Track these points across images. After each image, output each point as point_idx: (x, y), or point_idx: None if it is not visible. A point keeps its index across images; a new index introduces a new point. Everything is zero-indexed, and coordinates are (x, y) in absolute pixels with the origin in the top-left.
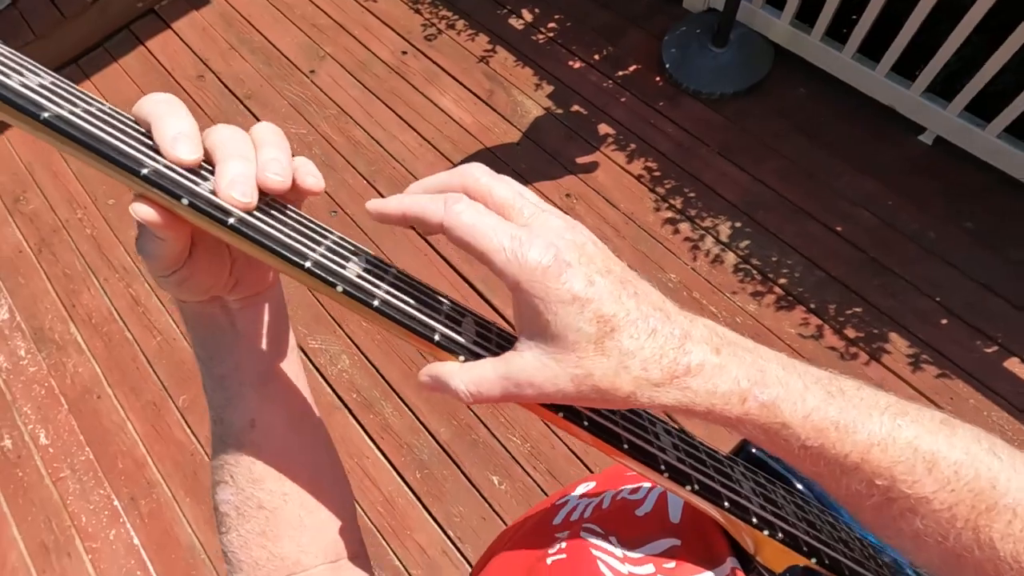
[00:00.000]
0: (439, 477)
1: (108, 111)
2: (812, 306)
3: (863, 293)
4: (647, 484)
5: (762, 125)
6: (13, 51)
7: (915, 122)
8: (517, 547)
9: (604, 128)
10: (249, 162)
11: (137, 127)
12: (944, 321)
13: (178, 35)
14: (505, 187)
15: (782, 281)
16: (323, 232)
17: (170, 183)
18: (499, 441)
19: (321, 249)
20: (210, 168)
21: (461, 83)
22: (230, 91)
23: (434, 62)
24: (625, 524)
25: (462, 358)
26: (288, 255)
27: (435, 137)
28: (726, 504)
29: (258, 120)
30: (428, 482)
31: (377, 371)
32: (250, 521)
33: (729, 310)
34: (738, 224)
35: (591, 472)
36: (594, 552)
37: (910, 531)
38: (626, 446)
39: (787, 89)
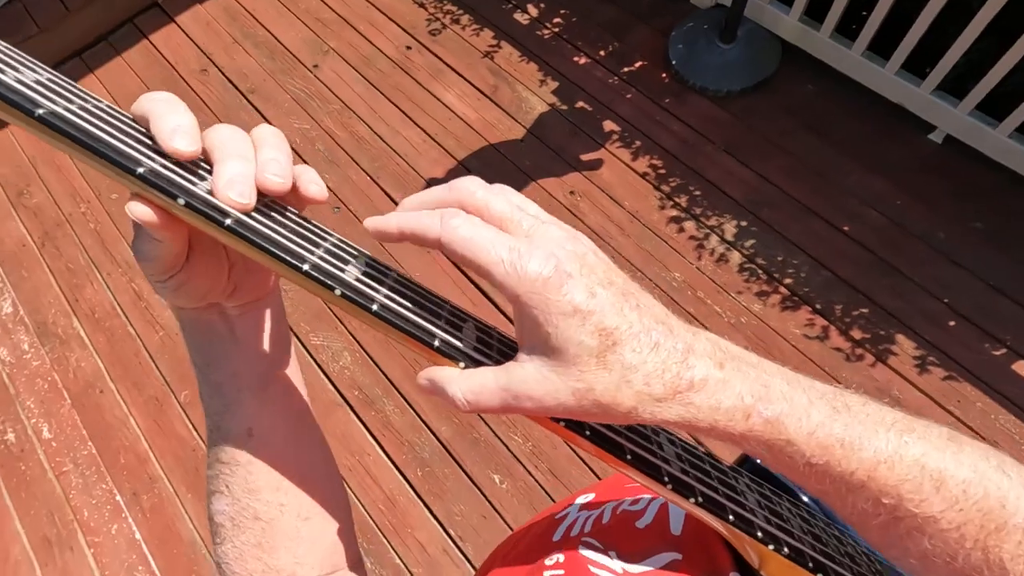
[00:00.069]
0: (440, 475)
1: (105, 109)
2: (818, 306)
3: (870, 294)
4: (648, 495)
5: (769, 123)
6: (10, 47)
7: (925, 121)
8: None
9: (609, 125)
10: (248, 162)
11: (135, 125)
12: (952, 323)
13: (182, 28)
14: (502, 200)
15: (788, 281)
16: (323, 234)
17: (166, 183)
18: (500, 440)
19: (320, 251)
20: (208, 168)
21: (465, 78)
22: (233, 85)
23: (438, 57)
24: (625, 537)
25: (462, 364)
26: (286, 257)
27: (439, 133)
28: (730, 517)
29: (261, 115)
30: (429, 480)
31: (379, 368)
32: (246, 532)
33: (734, 310)
34: (744, 223)
35: (592, 472)
36: (592, 569)
37: (918, 551)
38: (629, 457)
39: (795, 86)
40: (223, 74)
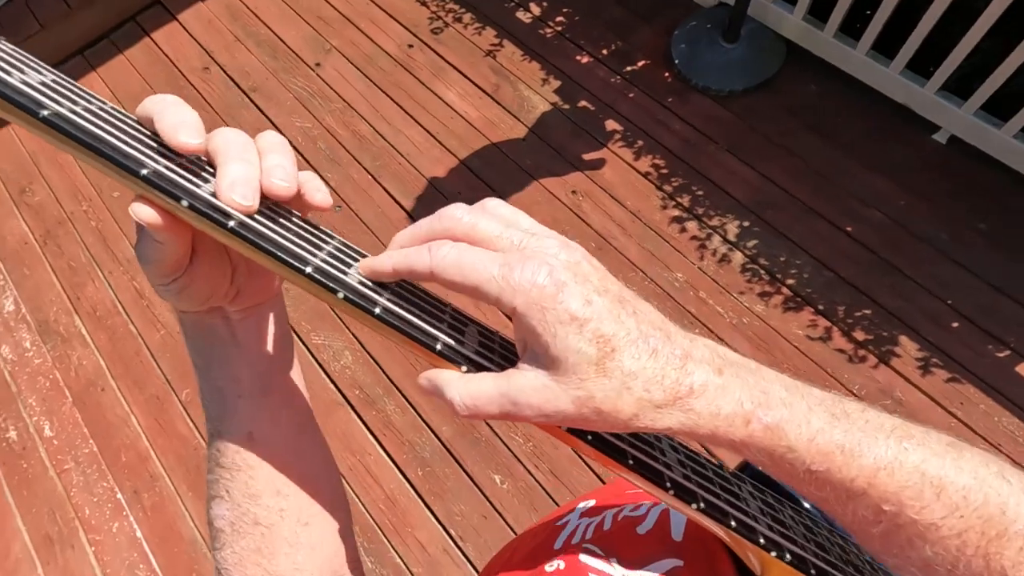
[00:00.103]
0: (441, 475)
1: (110, 110)
2: (821, 307)
3: (873, 295)
4: (649, 500)
5: (772, 122)
6: (16, 48)
7: (929, 121)
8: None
9: (611, 124)
10: (251, 166)
11: (139, 127)
12: (955, 324)
13: (184, 27)
14: (488, 220)
15: (790, 281)
16: (326, 238)
17: (170, 184)
18: (501, 440)
19: (323, 254)
20: (212, 171)
21: (467, 77)
22: (235, 84)
23: (440, 56)
24: (626, 544)
25: (464, 368)
26: (289, 260)
27: (440, 132)
28: (733, 523)
29: (263, 113)
30: (430, 480)
31: (380, 368)
32: (245, 538)
33: (736, 310)
34: (746, 223)
35: (593, 472)
36: None
37: (919, 559)
38: (631, 462)
39: (798, 86)
40: (225, 72)
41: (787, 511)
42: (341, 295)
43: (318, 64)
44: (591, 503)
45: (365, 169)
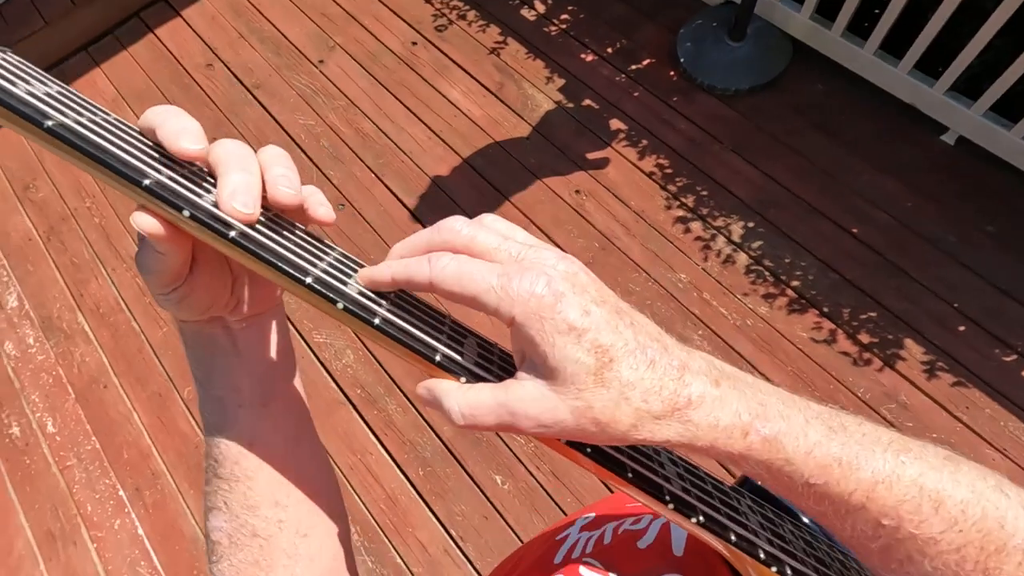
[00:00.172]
0: (442, 475)
1: (113, 121)
2: (825, 309)
3: (878, 297)
4: (649, 514)
5: (778, 122)
6: (22, 60)
7: (937, 121)
8: None
9: (616, 123)
10: (252, 175)
11: (142, 138)
12: (962, 328)
13: (187, 23)
14: (486, 233)
15: (795, 283)
16: (326, 248)
17: (172, 195)
18: (502, 440)
19: (323, 265)
20: (213, 182)
21: (471, 75)
22: (239, 80)
23: (444, 53)
24: (627, 558)
25: (463, 379)
26: (289, 270)
27: (444, 130)
28: (732, 538)
29: (266, 110)
30: (431, 480)
31: (381, 367)
32: (243, 550)
33: (740, 312)
34: (751, 224)
35: (594, 475)
36: None
37: (918, 575)
38: (630, 475)
39: (804, 85)
40: (228, 69)
41: (787, 526)
42: (341, 305)
43: (322, 61)
44: (591, 516)
45: (368, 167)
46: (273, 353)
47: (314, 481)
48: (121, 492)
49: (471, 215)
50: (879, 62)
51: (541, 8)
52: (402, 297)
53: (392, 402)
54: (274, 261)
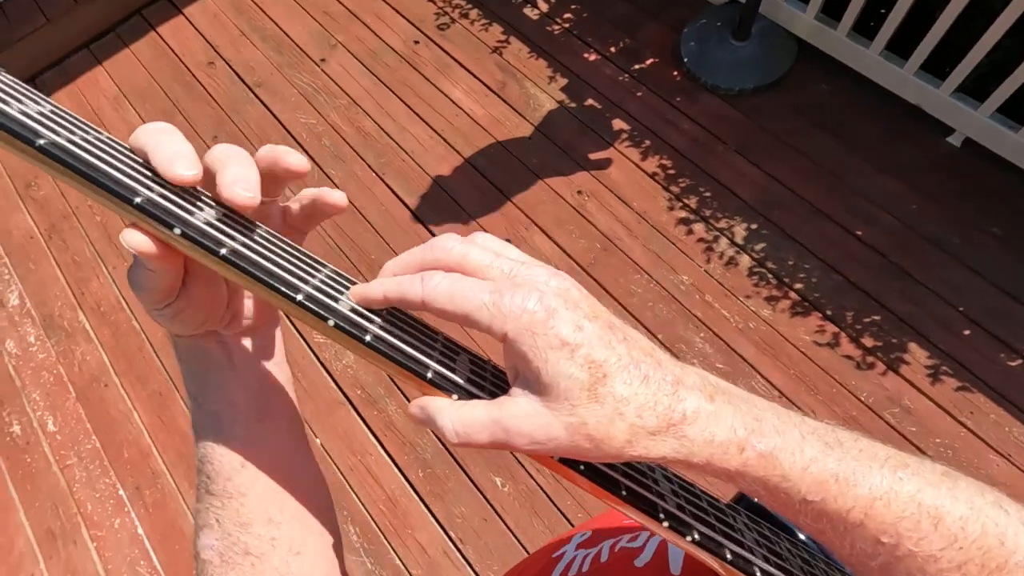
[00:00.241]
0: (442, 476)
1: (106, 140)
2: (829, 312)
3: (882, 300)
4: (647, 531)
5: (782, 122)
6: (15, 80)
7: (943, 122)
8: None
9: (618, 123)
10: (251, 167)
11: (134, 156)
12: (967, 331)
13: (189, 21)
14: (478, 251)
15: (798, 286)
16: (317, 266)
17: (163, 212)
18: None
19: (315, 282)
20: (206, 198)
21: (473, 74)
22: (240, 79)
23: (446, 52)
24: None
25: (455, 397)
26: (279, 287)
27: (445, 129)
28: (728, 556)
29: (268, 109)
30: (430, 481)
31: None
32: (235, 569)
33: (742, 315)
34: (754, 226)
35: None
36: None
37: None
38: (624, 492)
39: (809, 85)
40: (230, 67)
41: (784, 543)
42: (332, 322)
43: (323, 60)
44: (587, 534)
45: (369, 166)
46: (268, 367)
47: (308, 496)
48: (121, 491)
49: (472, 215)
50: (885, 62)
51: (544, 7)
52: (394, 314)
53: (392, 403)
54: (264, 278)
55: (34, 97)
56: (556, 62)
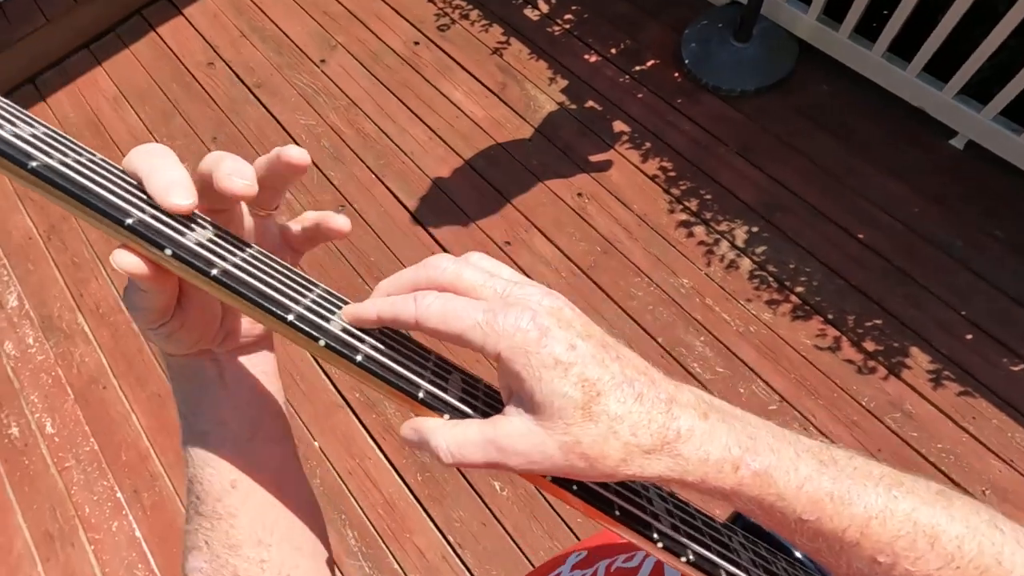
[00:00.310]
0: (440, 480)
1: (98, 162)
2: (830, 316)
3: (884, 304)
4: (642, 550)
5: (784, 124)
6: (10, 103)
7: (946, 125)
8: None
9: (619, 125)
10: (247, 163)
11: (127, 179)
12: (969, 335)
13: (189, 21)
14: (471, 270)
15: (799, 289)
16: (309, 285)
17: (155, 233)
18: None
19: (306, 302)
20: (198, 217)
21: (473, 76)
22: (240, 79)
23: (446, 53)
24: None
25: (447, 417)
26: (270, 307)
27: (446, 131)
28: None
29: (267, 110)
30: (429, 485)
31: None
32: None
33: (743, 318)
34: (755, 228)
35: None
36: None
37: None
38: (618, 513)
39: (811, 87)
40: (230, 68)
41: (780, 563)
42: (322, 343)
43: (323, 61)
44: (583, 554)
45: (368, 168)
46: (261, 386)
47: (299, 517)
48: (119, 494)
49: (472, 217)
50: (887, 64)
51: (544, 8)
52: (385, 334)
53: (391, 406)
54: (255, 299)
55: (26, 119)
56: (556, 63)
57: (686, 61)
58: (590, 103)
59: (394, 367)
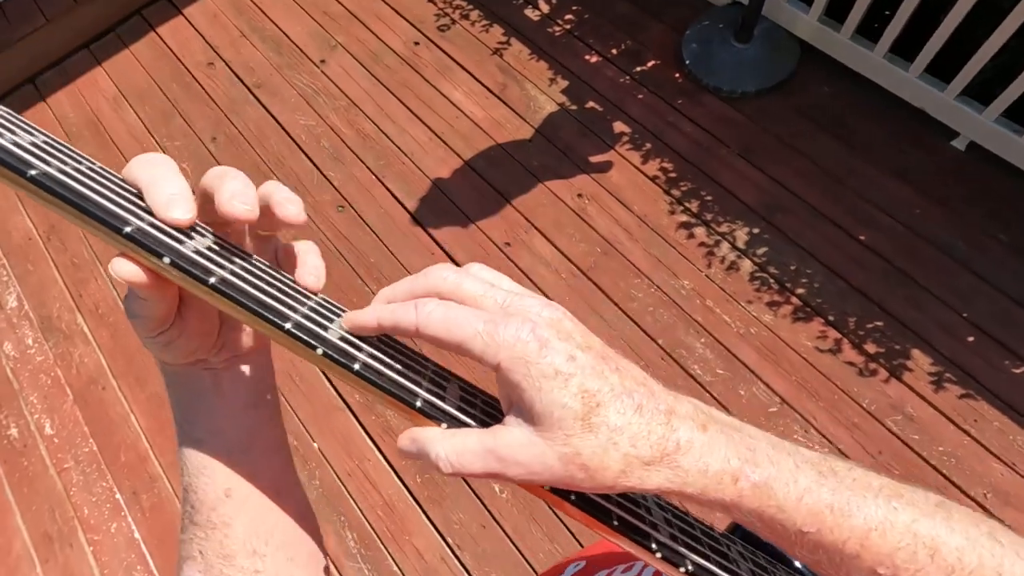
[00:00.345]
0: (439, 482)
1: (98, 170)
2: (831, 318)
3: (885, 305)
4: (641, 560)
5: (785, 125)
6: (10, 112)
7: (947, 126)
8: None
9: (620, 126)
10: (249, 184)
11: (127, 187)
12: (971, 338)
13: (189, 21)
14: (472, 280)
15: (800, 291)
16: (307, 294)
17: (153, 242)
18: None
19: (304, 310)
20: (197, 225)
21: (474, 76)
22: (239, 80)
23: (447, 54)
24: None
25: (444, 425)
26: (268, 316)
27: (445, 132)
28: None
29: (267, 110)
30: (429, 487)
31: None
32: None
33: (744, 320)
34: (756, 230)
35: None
36: None
37: None
38: (616, 523)
39: (812, 87)
40: (229, 68)
41: (779, 574)
42: (320, 351)
43: (323, 61)
44: (582, 564)
45: (368, 168)
46: (257, 395)
47: (294, 527)
48: (118, 495)
49: (472, 218)
50: (889, 65)
51: (545, 8)
52: (383, 342)
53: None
54: (253, 307)
55: (26, 127)
56: (557, 64)
57: (687, 62)
58: (590, 104)
59: (392, 376)
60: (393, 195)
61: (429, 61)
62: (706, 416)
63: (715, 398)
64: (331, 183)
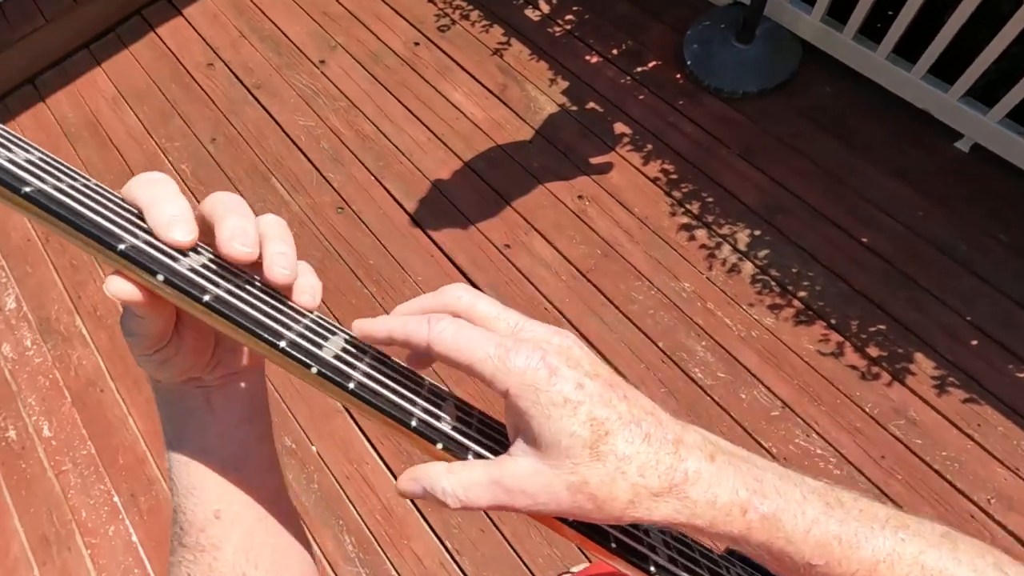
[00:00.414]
0: None
1: (94, 188)
2: (833, 321)
3: (888, 308)
4: None
5: (786, 126)
6: (6, 128)
7: (951, 127)
8: None
9: (620, 127)
10: (249, 218)
11: (123, 204)
12: (974, 341)
13: (188, 21)
14: (486, 302)
15: (802, 294)
16: (301, 312)
17: (147, 259)
18: None
19: (298, 328)
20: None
21: (474, 76)
22: (239, 80)
23: (447, 54)
24: None
25: (440, 445)
26: (263, 334)
27: (445, 132)
28: None
29: (266, 111)
30: None
31: None
32: None
33: (745, 323)
34: (757, 232)
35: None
36: None
37: None
38: (614, 544)
39: (814, 88)
40: (229, 68)
41: None
42: (315, 370)
43: (323, 61)
44: None
45: (367, 169)
46: (249, 414)
47: (284, 549)
48: (116, 498)
49: (471, 219)
50: (892, 66)
51: (545, 8)
52: (379, 360)
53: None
54: (247, 325)
55: (24, 145)
56: (557, 64)
57: (688, 62)
58: (591, 104)
59: (387, 395)
60: (392, 196)
61: (429, 62)
62: (713, 446)
63: (716, 402)
64: (330, 184)
